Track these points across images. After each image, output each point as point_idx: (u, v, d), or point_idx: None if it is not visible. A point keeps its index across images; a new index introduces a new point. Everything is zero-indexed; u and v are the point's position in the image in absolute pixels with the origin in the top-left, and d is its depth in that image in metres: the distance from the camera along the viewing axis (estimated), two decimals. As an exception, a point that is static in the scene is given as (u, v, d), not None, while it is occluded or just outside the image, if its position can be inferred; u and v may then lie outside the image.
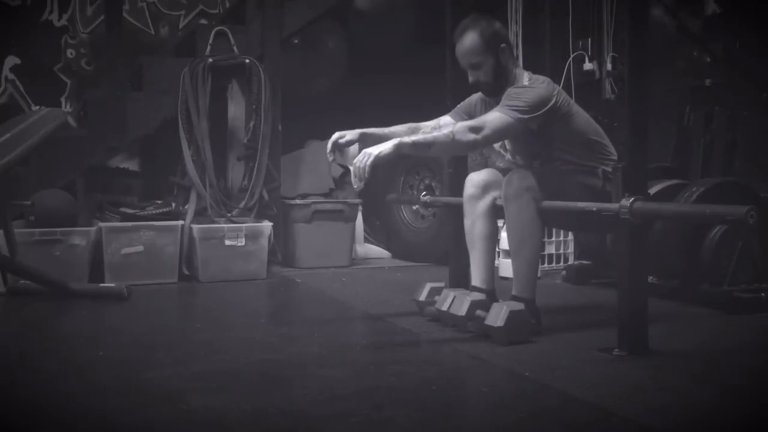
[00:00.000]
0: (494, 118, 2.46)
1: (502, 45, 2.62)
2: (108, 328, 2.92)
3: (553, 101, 2.52)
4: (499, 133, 2.50)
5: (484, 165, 3.25)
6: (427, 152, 2.49)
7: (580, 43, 4.43)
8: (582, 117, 2.67)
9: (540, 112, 2.49)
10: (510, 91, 2.54)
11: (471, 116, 2.74)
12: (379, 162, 2.36)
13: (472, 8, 3.04)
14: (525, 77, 2.62)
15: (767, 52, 3.82)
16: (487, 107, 2.69)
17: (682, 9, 4.44)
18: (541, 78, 2.61)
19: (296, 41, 4.82)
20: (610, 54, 4.32)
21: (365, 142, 2.62)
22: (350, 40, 5.08)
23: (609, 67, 4.33)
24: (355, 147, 5.00)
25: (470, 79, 2.67)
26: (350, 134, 2.61)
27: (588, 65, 4.36)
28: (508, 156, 2.78)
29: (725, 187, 3.10)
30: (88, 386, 2.00)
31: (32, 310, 3.22)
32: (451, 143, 2.44)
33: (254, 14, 4.57)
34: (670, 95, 3.95)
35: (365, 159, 2.37)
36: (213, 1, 5.61)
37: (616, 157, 2.59)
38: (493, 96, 2.67)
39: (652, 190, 3.01)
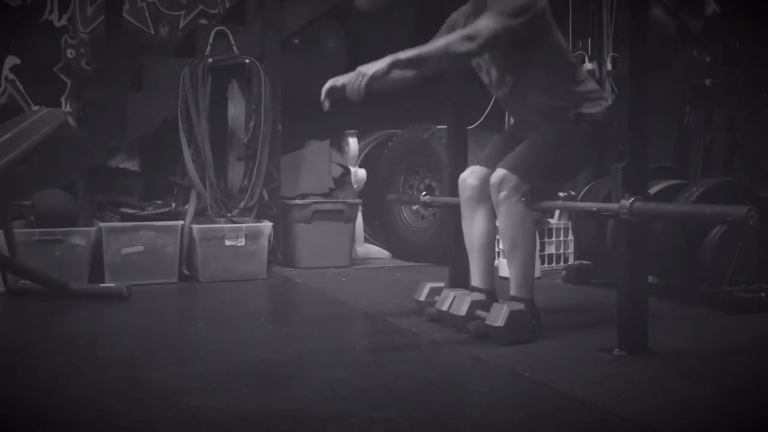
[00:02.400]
0: (487, 23, 2.39)
1: None
2: (108, 328, 2.92)
3: (540, 4, 2.46)
4: (494, 39, 2.41)
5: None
6: (423, 66, 2.45)
7: (580, 43, 4.44)
8: (560, 34, 2.62)
9: (529, 16, 2.42)
10: None
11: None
12: (374, 80, 2.33)
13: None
14: None
15: (767, 52, 3.82)
16: (469, 21, 2.61)
17: (682, 9, 4.43)
18: None
19: (296, 41, 4.82)
20: (610, 54, 4.33)
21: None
22: (350, 40, 5.08)
23: (609, 67, 4.34)
24: (355, 147, 5.04)
25: None
26: (343, 78, 2.48)
27: (588, 65, 4.36)
28: (483, 72, 2.71)
29: (725, 187, 3.10)
30: (88, 386, 2.00)
31: (32, 310, 3.22)
32: (447, 54, 2.39)
33: (254, 14, 4.57)
34: (670, 95, 3.95)
35: (360, 79, 2.33)
36: (213, 1, 5.60)
37: (591, 88, 2.61)
38: None
39: (652, 190, 3.01)
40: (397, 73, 2.52)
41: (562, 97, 2.56)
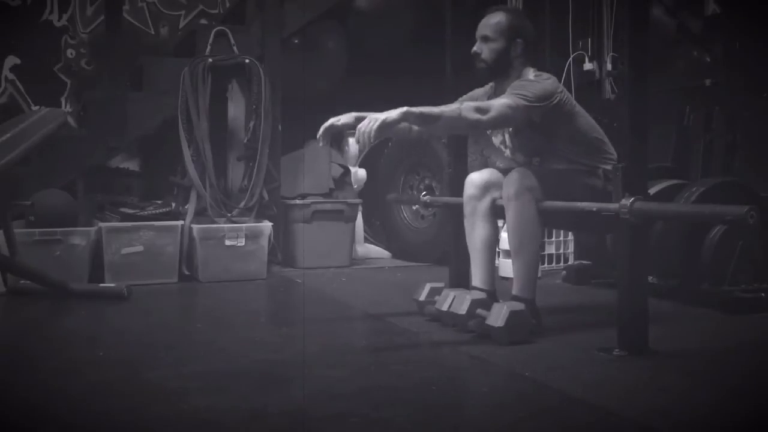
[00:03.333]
0: (501, 102, 2.49)
1: (518, 39, 2.66)
2: (108, 328, 2.92)
3: (558, 97, 2.56)
4: (504, 118, 2.49)
5: (484, 165, 3.25)
6: (431, 124, 2.48)
7: (580, 43, 4.43)
8: (584, 117, 2.70)
9: (544, 104, 2.52)
10: (516, 82, 2.58)
11: None
12: (385, 127, 2.34)
13: (472, 8, 3.05)
14: (531, 73, 2.65)
15: (767, 52, 3.81)
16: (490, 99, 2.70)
17: (682, 9, 4.43)
18: (546, 75, 2.65)
19: (296, 41, 4.83)
20: (610, 54, 4.32)
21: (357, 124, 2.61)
22: (350, 40, 5.09)
23: (609, 67, 4.33)
24: (355, 147, 5.04)
25: (474, 48, 2.70)
26: (345, 117, 2.56)
27: (588, 65, 4.36)
28: (508, 153, 2.79)
29: (725, 187, 3.10)
30: (88, 386, 2.00)
31: (32, 310, 3.22)
32: (457, 119, 2.44)
33: (254, 14, 4.57)
34: (670, 95, 3.95)
35: (371, 124, 2.34)
36: (213, 1, 5.61)
37: (616, 158, 2.60)
38: (485, 78, 2.77)
39: (652, 190, 3.01)
40: (405, 126, 2.60)
41: (590, 169, 2.65)
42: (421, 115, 2.41)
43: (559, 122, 2.60)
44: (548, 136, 2.62)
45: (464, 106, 2.47)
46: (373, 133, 2.33)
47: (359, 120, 2.54)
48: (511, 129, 2.71)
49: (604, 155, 2.66)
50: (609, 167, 2.55)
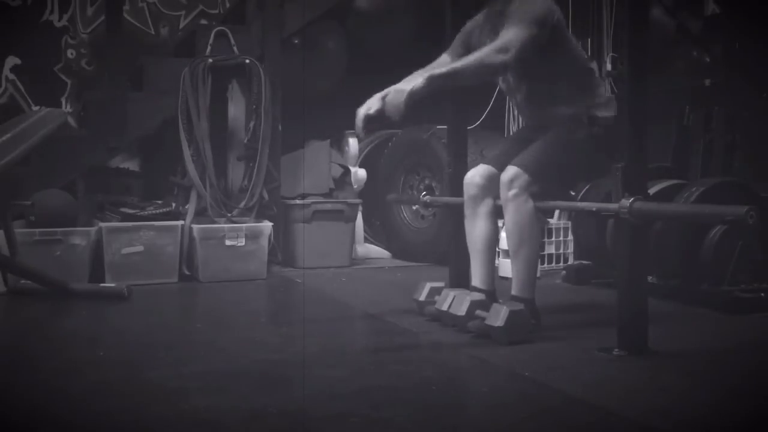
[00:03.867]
0: (515, 34, 2.44)
1: None
2: (108, 328, 2.92)
3: (556, 14, 2.53)
4: (524, 49, 2.44)
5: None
6: (457, 81, 2.48)
7: (580, 43, 4.42)
8: (576, 45, 2.69)
9: (548, 24, 2.49)
10: (513, 8, 2.52)
11: (469, 45, 2.72)
12: (413, 98, 2.35)
13: (472, 8, 3.04)
14: None
15: (767, 52, 3.82)
16: (484, 31, 2.68)
17: (682, 9, 4.43)
18: None
19: (296, 41, 4.82)
20: (610, 54, 4.32)
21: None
22: (350, 40, 5.09)
23: (609, 67, 4.33)
24: (355, 147, 5.04)
25: None
26: (373, 103, 2.49)
27: (588, 65, 4.36)
28: (501, 79, 2.75)
29: (725, 187, 3.10)
30: (88, 386, 2.01)
31: (32, 310, 3.22)
32: (481, 67, 2.43)
33: (254, 14, 4.57)
34: (670, 95, 3.95)
35: (399, 97, 2.35)
36: (213, 1, 5.60)
37: (605, 97, 2.64)
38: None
39: (652, 190, 3.01)
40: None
41: (577, 103, 2.60)
42: (446, 75, 2.42)
43: (553, 43, 2.53)
44: (541, 58, 2.53)
45: (484, 53, 2.43)
46: (402, 107, 2.35)
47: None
48: None
49: (592, 90, 2.63)
50: (596, 112, 2.56)
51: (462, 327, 2.55)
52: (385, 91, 2.46)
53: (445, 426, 1.69)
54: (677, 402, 1.84)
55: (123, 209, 3.94)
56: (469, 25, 2.80)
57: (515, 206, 2.49)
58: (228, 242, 3.91)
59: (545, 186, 2.53)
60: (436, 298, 2.76)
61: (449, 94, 3.05)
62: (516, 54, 2.42)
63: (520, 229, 2.50)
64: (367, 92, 2.66)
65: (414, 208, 4.80)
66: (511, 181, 2.49)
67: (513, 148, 2.71)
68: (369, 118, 2.49)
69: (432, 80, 2.38)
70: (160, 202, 4.15)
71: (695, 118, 3.74)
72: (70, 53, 5.18)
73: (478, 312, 2.52)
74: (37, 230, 3.58)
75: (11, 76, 4.99)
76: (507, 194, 2.49)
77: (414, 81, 2.38)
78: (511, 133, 2.91)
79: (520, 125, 3.86)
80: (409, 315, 2.88)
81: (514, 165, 2.52)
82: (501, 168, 2.59)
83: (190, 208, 4.05)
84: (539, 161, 2.53)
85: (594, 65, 4.31)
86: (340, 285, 3.81)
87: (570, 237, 4.18)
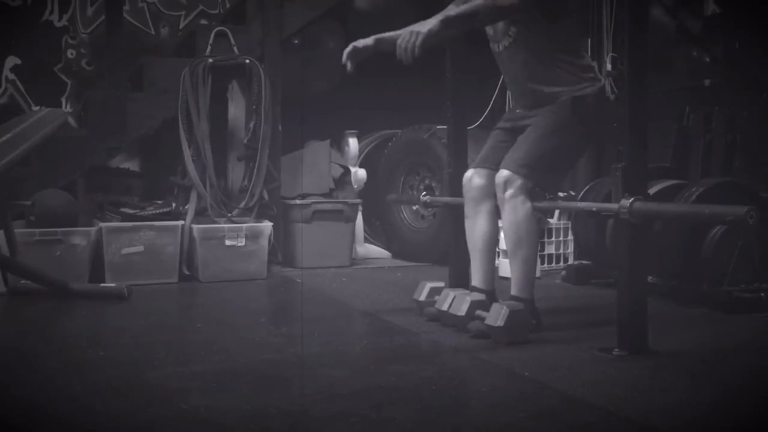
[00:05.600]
0: None
1: None
2: (108, 328, 2.92)
3: None
4: None
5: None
6: (471, 22, 2.44)
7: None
8: (573, 17, 2.66)
9: None
10: None
11: None
12: (428, 40, 2.30)
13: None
14: None
15: (767, 52, 3.81)
16: None
17: (682, 9, 4.43)
18: None
19: (296, 41, 4.82)
20: (610, 54, 4.32)
21: (380, 46, 2.59)
22: (350, 40, 5.08)
23: (609, 67, 4.33)
24: (355, 147, 5.04)
25: None
26: (364, 40, 2.51)
27: (588, 65, 4.35)
28: (504, 41, 2.69)
29: (725, 187, 3.10)
30: (88, 386, 2.01)
31: (32, 310, 3.22)
32: (494, 8, 2.40)
33: (254, 14, 4.56)
34: (670, 95, 3.95)
35: (413, 38, 2.30)
36: (213, 1, 5.60)
37: (587, 64, 2.63)
38: None
39: (652, 190, 3.01)
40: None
41: (561, 65, 2.56)
42: (461, 17, 2.38)
43: (563, 14, 2.53)
44: (540, 8, 2.50)
45: None
46: (417, 49, 2.29)
47: (380, 42, 2.52)
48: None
49: (578, 57, 2.61)
50: (583, 87, 2.54)
51: (462, 327, 2.55)
52: (398, 31, 2.41)
53: (445, 426, 1.69)
54: (677, 402, 1.84)
55: (123, 209, 3.95)
56: None
57: (512, 207, 2.49)
58: (228, 242, 3.91)
59: (540, 180, 2.53)
60: (436, 298, 2.76)
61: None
62: None
63: (517, 230, 2.50)
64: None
65: (414, 208, 4.80)
66: (506, 182, 2.49)
67: (498, 146, 2.71)
68: (355, 52, 2.47)
69: (448, 22, 2.34)
70: (160, 202, 4.15)
71: (695, 118, 3.73)
72: (70, 53, 5.18)
73: (478, 312, 2.52)
74: (37, 230, 3.59)
75: (11, 76, 4.99)
76: (503, 196, 2.50)
77: (429, 23, 2.32)
78: (497, 125, 2.85)
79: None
80: (409, 315, 2.88)
81: (504, 168, 2.52)
82: (495, 168, 2.59)
83: (190, 208, 4.05)
84: (527, 158, 2.51)
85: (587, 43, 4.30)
86: (340, 285, 3.81)
87: (570, 237, 4.18)
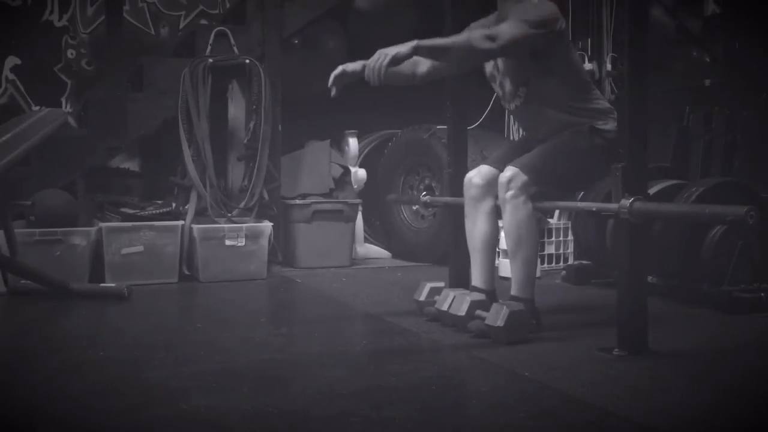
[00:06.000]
0: (508, 27, 2.42)
1: None
2: (108, 328, 2.92)
3: (559, 23, 2.51)
4: (513, 44, 2.42)
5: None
6: (443, 56, 2.46)
7: (580, 43, 4.44)
8: (577, 57, 2.68)
9: (548, 30, 2.46)
10: (518, 6, 2.51)
11: None
12: (395, 62, 2.32)
13: (472, 8, 3.05)
14: None
15: (767, 52, 3.82)
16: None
17: (682, 9, 4.43)
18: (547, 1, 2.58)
19: (296, 41, 4.82)
20: (610, 54, 4.33)
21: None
22: (350, 40, 5.08)
23: (609, 67, 4.34)
24: (355, 147, 5.04)
25: None
26: (353, 64, 2.53)
27: (588, 65, 4.36)
28: (499, 79, 2.74)
29: (725, 187, 3.10)
30: (88, 386, 2.01)
31: (32, 310, 3.22)
32: (468, 49, 2.41)
33: (254, 14, 4.57)
34: (670, 95, 3.95)
35: (381, 59, 2.32)
36: (213, 1, 5.60)
37: (604, 107, 2.63)
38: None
39: (652, 190, 3.01)
40: (407, 66, 2.56)
41: (575, 113, 2.60)
42: (432, 47, 2.39)
43: (554, 51, 2.53)
44: (541, 63, 2.55)
45: (473, 35, 2.42)
46: (383, 69, 2.31)
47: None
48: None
49: (592, 101, 2.62)
50: (597, 124, 2.56)
51: (462, 327, 2.55)
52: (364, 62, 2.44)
53: (445, 426, 1.69)
54: (677, 402, 1.84)
55: (123, 209, 3.95)
56: (478, 23, 2.78)
57: (513, 207, 2.49)
58: (228, 242, 3.91)
59: (543, 189, 2.53)
60: (436, 298, 2.76)
61: (449, 92, 3.02)
62: (503, 45, 2.40)
63: (518, 230, 2.50)
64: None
65: (414, 208, 4.81)
66: (509, 181, 2.49)
67: (515, 151, 2.72)
68: (342, 75, 2.50)
69: (418, 49, 2.35)
70: (160, 202, 4.15)
71: (695, 118, 3.74)
72: (70, 53, 5.18)
73: (478, 312, 2.52)
74: (37, 230, 3.59)
75: (11, 76, 4.99)
76: (505, 195, 2.50)
77: (400, 47, 2.34)
78: (513, 136, 2.88)
79: (521, 132, 3.86)
80: (409, 315, 2.88)
81: (513, 165, 2.52)
82: (500, 168, 2.60)
83: (190, 208, 4.05)
84: (539, 164, 2.53)
85: (593, 66, 4.33)
86: (340, 285, 3.81)
87: (570, 237, 4.18)
